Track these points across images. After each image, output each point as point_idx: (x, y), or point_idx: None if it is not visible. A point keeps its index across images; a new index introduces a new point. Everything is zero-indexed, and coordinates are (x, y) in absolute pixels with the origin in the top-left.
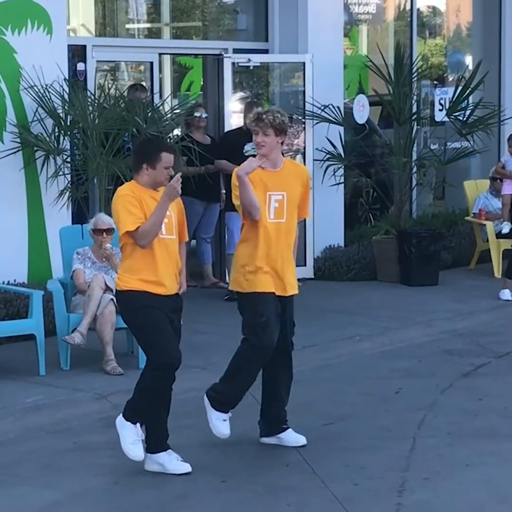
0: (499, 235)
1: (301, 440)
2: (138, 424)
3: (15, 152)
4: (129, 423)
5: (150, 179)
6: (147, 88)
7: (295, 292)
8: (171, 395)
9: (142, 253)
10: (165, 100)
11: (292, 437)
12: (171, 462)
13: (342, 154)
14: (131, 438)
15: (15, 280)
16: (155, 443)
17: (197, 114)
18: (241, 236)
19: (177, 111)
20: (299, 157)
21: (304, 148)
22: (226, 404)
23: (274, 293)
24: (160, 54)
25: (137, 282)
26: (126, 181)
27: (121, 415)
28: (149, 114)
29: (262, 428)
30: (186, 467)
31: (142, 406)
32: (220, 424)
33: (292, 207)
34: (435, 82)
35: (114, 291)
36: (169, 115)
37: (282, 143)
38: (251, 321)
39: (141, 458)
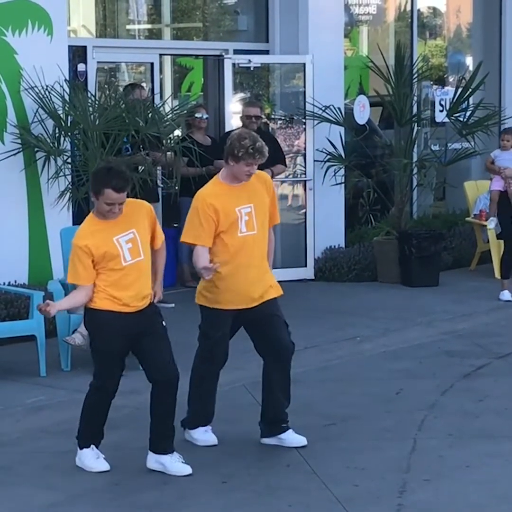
0: (499, 236)
1: (301, 440)
2: (92, 445)
3: (15, 153)
4: (83, 450)
5: (97, 210)
6: (146, 88)
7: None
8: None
9: (109, 277)
10: (165, 101)
11: (292, 438)
12: (173, 464)
13: (343, 154)
14: (92, 457)
15: (15, 281)
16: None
17: (198, 115)
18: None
19: (178, 111)
20: (299, 158)
21: (305, 149)
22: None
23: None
24: (160, 55)
25: (104, 301)
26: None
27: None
28: (150, 115)
29: (262, 429)
30: (187, 469)
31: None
32: (203, 436)
33: (261, 217)
34: (435, 83)
35: None
36: (170, 116)
37: None
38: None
39: (106, 467)
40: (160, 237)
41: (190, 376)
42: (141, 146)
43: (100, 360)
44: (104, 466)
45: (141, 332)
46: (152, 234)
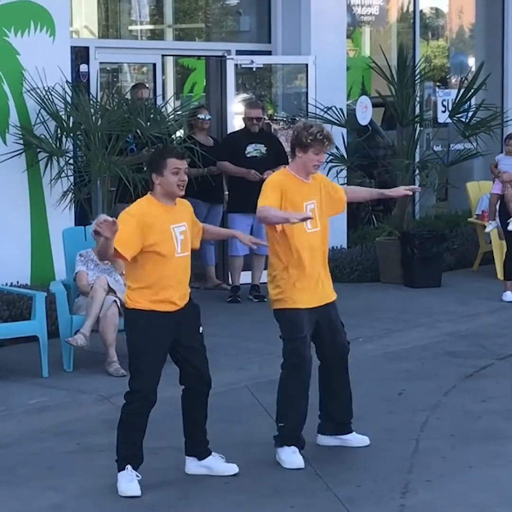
0: (501, 237)
1: (365, 440)
2: (128, 466)
3: (18, 154)
4: (120, 472)
5: (162, 189)
6: (149, 88)
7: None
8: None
9: (154, 270)
10: (167, 101)
11: (356, 438)
12: (218, 464)
13: (345, 155)
14: (125, 480)
15: (18, 282)
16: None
17: (201, 116)
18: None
19: (180, 112)
20: None
21: None
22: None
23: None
24: (163, 55)
25: (145, 302)
26: (128, 182)
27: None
28: (152, 115)
29: (326, 428)
30: (234, 468)
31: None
32: (290, 457)
33: (323, 215)
34: (438, 83)
35: (117, 292)
36: (172, 116)
37: None
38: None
39: (137, 493)
40: (199, 238)
41: (280, 396)
42: (146, 147)
43: (142, 362)
44: (134, 490)
45: (181, 333)
46: (194, 237)
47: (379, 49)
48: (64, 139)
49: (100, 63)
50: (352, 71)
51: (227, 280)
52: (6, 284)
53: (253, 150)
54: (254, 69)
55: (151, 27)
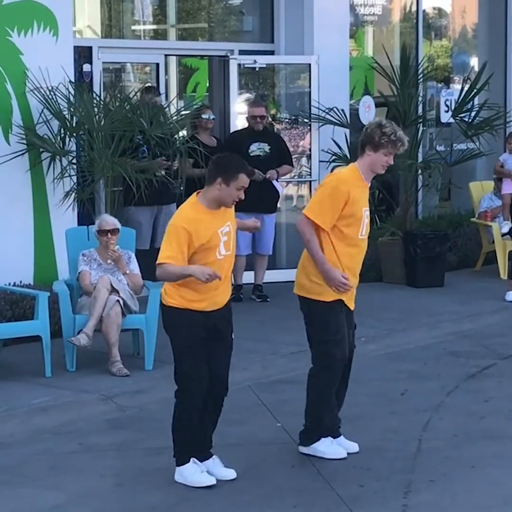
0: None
1: (354, 447)
2: (192, 459)
3: (22, 154)
4: (183, 466)
5: (218, 196)
6: (161, 93)
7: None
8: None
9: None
10: (171, 101)
11: (347, 443)
12: (217, 468)
13: (348, 155)
14: (194, 472)
15: (21, 282)
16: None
17: (204, 116)
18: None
19: (183, 114)
20: (305, 158)
21: (310, 149)
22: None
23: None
24: (166, 55)
25: (181, 299)
26: (132, 182)
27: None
28: (154, 116)
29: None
30: (232, 473)
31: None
32: (331, 448)
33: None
34: (440, 83)
35: (120, 292)
36: (175, 117)
37: None
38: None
39: (213, 481)
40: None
41: (316, 394)
42: (157, 151)
43: (187, 358)
44: (209, 479)
45: (216, 333)
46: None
47: (381, 49)
48: (67, 139)
49: (103, 63)
50: (355, 71)
51: (232, 279)
52: (9, 284)
53: (257, 149)
54: (257, 69)
55: (154, 27)
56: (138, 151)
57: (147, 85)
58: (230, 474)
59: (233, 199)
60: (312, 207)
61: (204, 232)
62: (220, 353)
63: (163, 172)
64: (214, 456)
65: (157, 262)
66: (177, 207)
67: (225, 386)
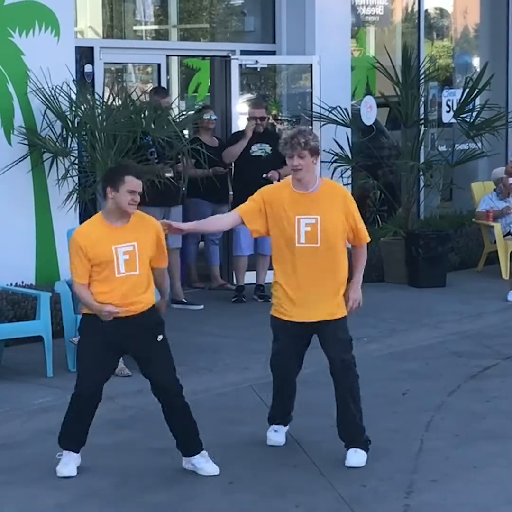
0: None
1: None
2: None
3: (24, 158)
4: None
5: (113, 205)
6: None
7: (326, 318)
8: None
9: (99, 287)
10: (173, 102)
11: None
12: (202, 464)
13: (350, 155)
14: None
15: (22, 282)
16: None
17: (206, 116)
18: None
19: (185, 115)
20: None
21: None
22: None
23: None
24: (167, 56)
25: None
26: None
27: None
28: (158, 117)
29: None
30: (215, 469)
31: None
32: (270, 434)
33: (329, 231)
34: (442, 84)
35: None
36: (178, 120)
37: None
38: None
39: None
40: (165, 257)
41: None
42: (166, 155)
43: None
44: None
45: (129, 341)
46: (157, 253)
47: (383, 49)
48: (69, 139)
49: (105, 63)
50: (356, 71)
51: (232, 280)
52: (11, 284)
53: (258, 149)
54: (258, 69)
55: (155, 27)
56: (147, 152)
57: (155, 86)
58: (213, 469)
59: (128, 203)
60: None
61: (94, 246)
62: (151, 360)
63: (168, 175)
64: (202, 452)
65: (72, 278)
66: (183, 208)
67: (173, 393)
